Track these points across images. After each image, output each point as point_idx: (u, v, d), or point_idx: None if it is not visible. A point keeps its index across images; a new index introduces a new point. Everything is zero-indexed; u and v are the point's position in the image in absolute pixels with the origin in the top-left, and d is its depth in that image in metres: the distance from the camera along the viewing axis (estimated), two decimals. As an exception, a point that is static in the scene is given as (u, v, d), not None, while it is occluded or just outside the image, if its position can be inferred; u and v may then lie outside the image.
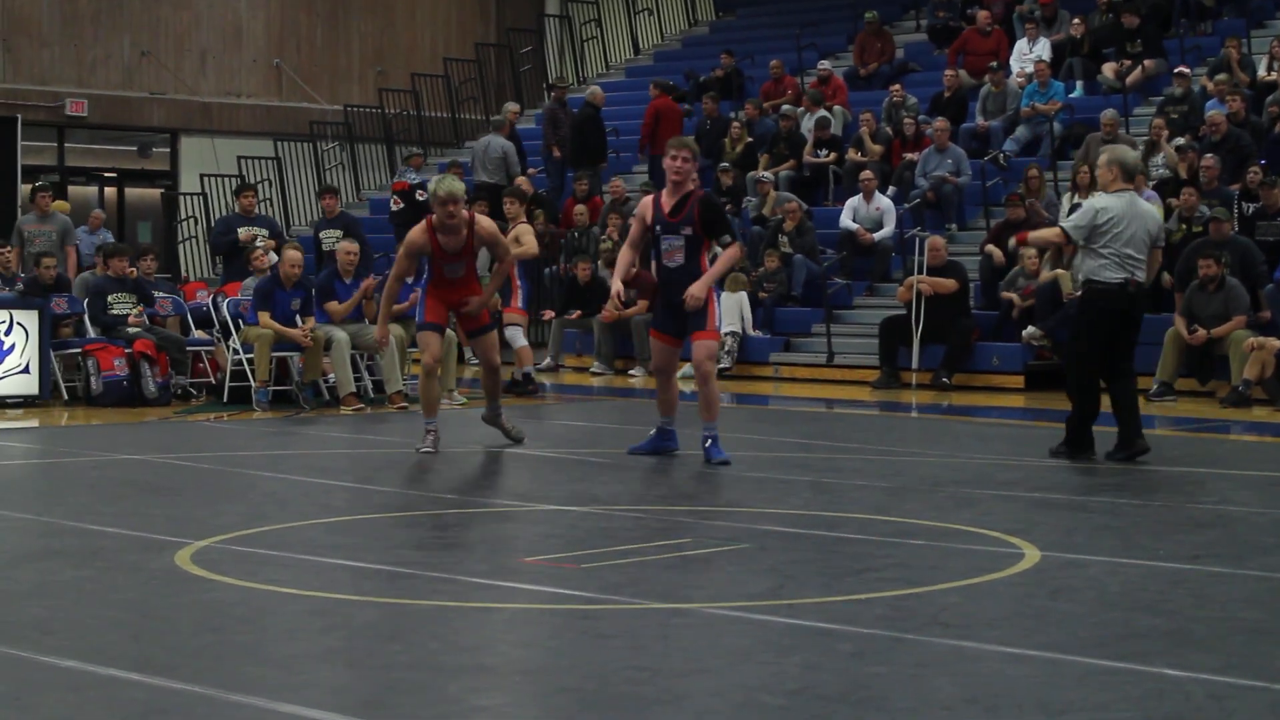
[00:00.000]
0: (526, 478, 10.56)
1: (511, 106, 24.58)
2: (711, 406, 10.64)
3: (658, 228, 10.60)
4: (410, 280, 15.75)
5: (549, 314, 20.88)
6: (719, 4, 30.23)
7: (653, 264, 10.87)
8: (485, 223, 11.25)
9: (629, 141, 24.64)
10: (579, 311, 20.31)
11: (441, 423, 11.28)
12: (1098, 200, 10.78)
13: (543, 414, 15.50)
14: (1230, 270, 16.16)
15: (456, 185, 11.12)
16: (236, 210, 18.18)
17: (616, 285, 10.86)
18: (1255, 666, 5.45)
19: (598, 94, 24.20)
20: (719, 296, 11.27)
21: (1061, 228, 10.88)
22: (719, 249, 10.81)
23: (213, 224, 21.45)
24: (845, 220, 20.16)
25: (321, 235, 18.01)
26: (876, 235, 19.91)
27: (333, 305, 15.38)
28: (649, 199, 10.75)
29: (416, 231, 11.16)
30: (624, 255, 10.93)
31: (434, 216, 11.06)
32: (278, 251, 15.95)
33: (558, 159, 23.89)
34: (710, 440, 10.59)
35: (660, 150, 23.25)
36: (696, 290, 10.44)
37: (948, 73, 22.42)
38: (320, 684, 5.24)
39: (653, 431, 11.13)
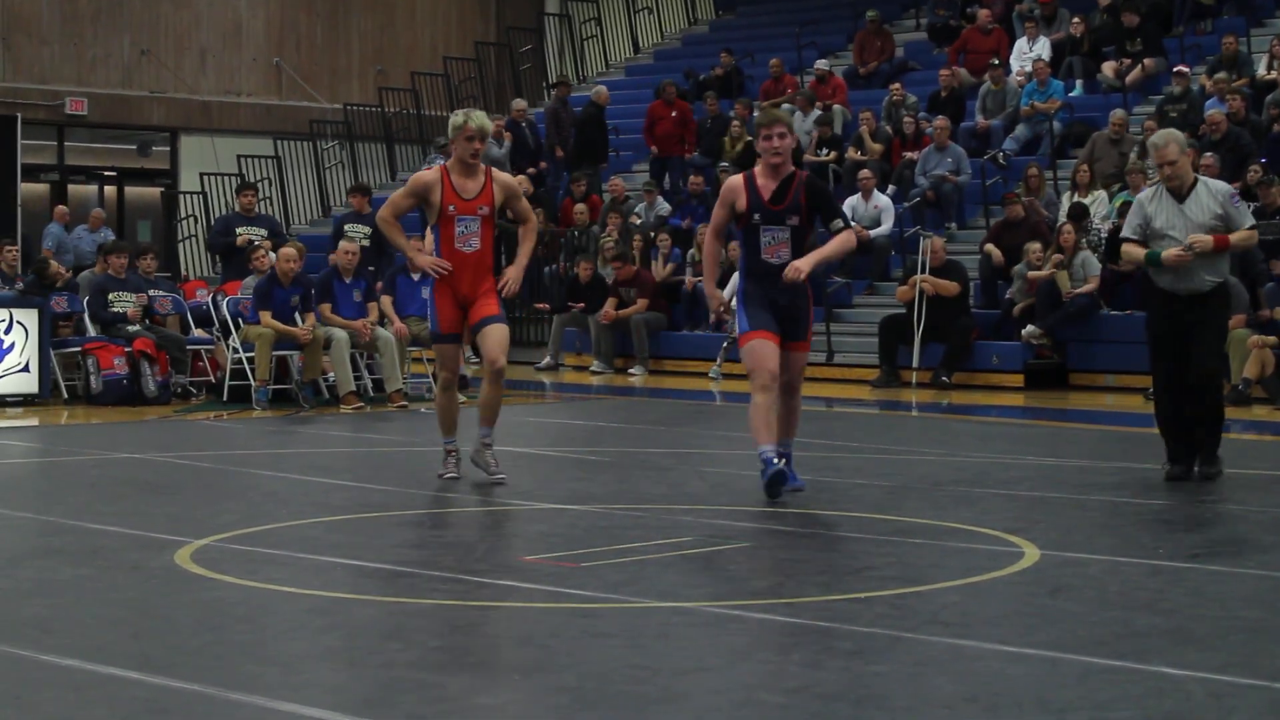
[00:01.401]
0: (526, 477, 10.56)
1: (519, 103, 24.63)
2: (796, 422, 9.44)
3: (756, 217, 8.97)
4: (417, 277, 15.74)
5: (544, 305, 20.87)
6: (719, 3, 30.23)
7: (740, 258, 9.29)
8: (506, 175, 9.99)
9: (629, 141, 24.64)
10: (581, 304, 20.29)
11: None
12: (1226, 185, 10.07)
13: (543, 413, 15.51)
14: (1230, 269, 16.13)
15: (486, 120, 9.71)
16: (236, 209, 18.16)
17: (719, 296, 9.45)
18: (1255, 665, 5.45)
19: (603, 93, 24.27)
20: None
21: (1252, 227, 9.86)
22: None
23: (212, 223, 21.46)
24: (846, 222, 20.17)
25: (347, 228, 17.95)
26: (872, 233, 19.90)
27: (330, 316, 15.31)
28: (738, 182, 9.08)
29: (427, 171, 9.88)
30: (710, 250, 9.39)
31: (449, 161, 9.70)
32: (276, 251, 15.95)
33: (561, 157, 23.93)
34: (785, 457, 9.24)
35: (668, 151, 23.33)
36: (803, 264, 8.87)
37: (943, 71, 22.42)
38: (320, 683, 5.24)
39: (779, 460, 9.10)
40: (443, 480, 9.66)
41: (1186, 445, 9.81)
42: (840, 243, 9.20)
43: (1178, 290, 9.71)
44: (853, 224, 9.75)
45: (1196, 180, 9.79)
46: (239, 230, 17.31)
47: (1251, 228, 9.75)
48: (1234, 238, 9.65)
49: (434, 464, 10.01)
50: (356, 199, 18.39)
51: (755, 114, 9.41)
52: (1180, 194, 9.72)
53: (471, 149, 9.52)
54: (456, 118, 9.62)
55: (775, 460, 8.95)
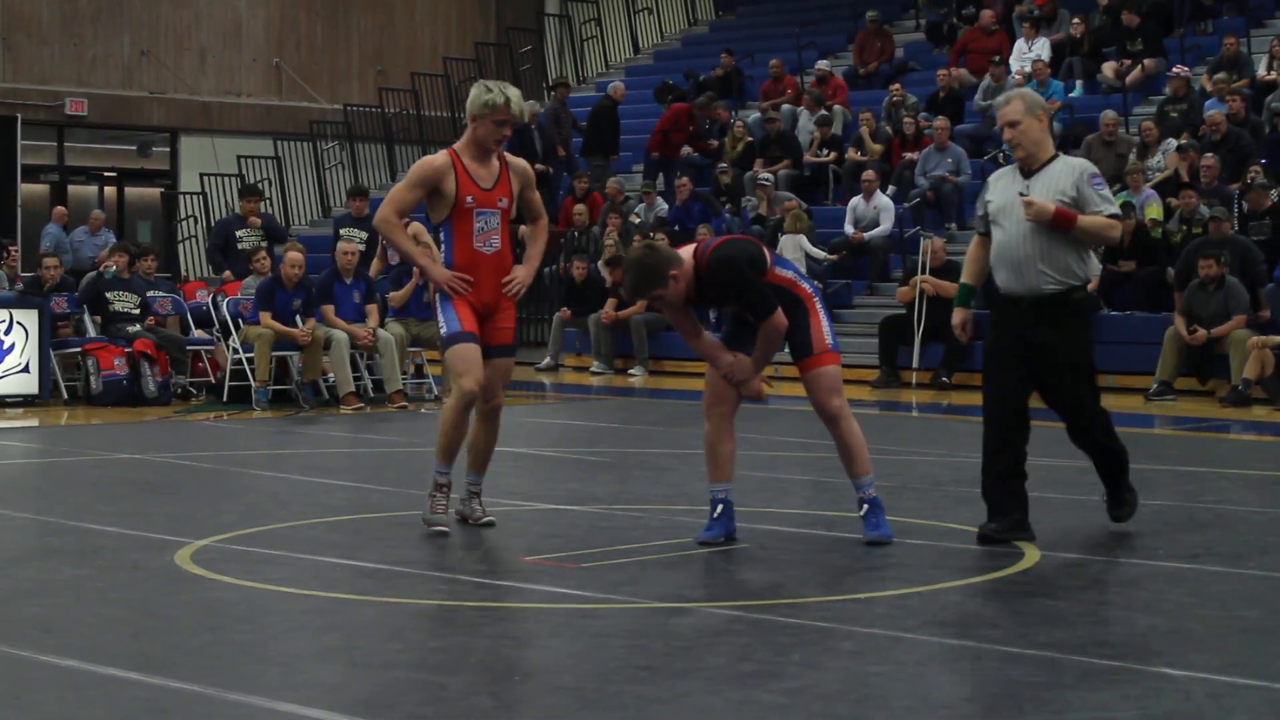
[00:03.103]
0: (526, 477, 10.55)
1: (533, 105, 24.69)
2: (856, 453, 7.72)
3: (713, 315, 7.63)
4: (419, 281, 15.67)
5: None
6: (719, 3, 30.24)
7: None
8: (519, 160, 8.34)
9: (628, 141, 24.66)
10: (569, 310, 20.29)
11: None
12: (1088, 163, 7.90)
13: (543, 414, 15.51)
14: (1230, 269, 16.17)
15: (523, 103, 8.17)
16: (237, 210, 18.13)
17: (742, 364, 7.59)
18: (1254, 665, 5.45)
19: (619, 88, 24.41)
20: (817, 296, 7.81)
21: (1114, 216, 7.68)
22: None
23: (212, 224, 21.48)
24: (848, 227, 20.19)
25: (343, 232, 17.94)
26: (868, 234, 19.92)
27: (333, 319, 15.28)
28: (679, 294, 7.48)
29: (436, 156, 8.15)
30: (708, 347, 7.65)
31: (458, 144, 8.13)
32: (270, 253, 15.98)
33: (563, 157, 23.98)
34: (866, 505, 7.69)
35: (670, 153, 23.26)
36: (757, 385, 7.65)
37: (941, 72, 22.42)
38: (319, 683, 5.24)
39: (719, 511, 7.66)
40: (430, 532, 7.90)
41: (1008, 493, 7.71)
42: (770, 340, 7.51)
43: (1014, 292, 7.70)
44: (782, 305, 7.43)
45: (1056, 156, 7.73)
46: (239, 233, 17.30)
47: (1113, 217, 7.62)
48: (1084, 219, 7.53)
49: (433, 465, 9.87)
50: (356, 202, 18.39)
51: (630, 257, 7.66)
52: (1030, 168, 7.71)
53: (500, 135, 8.01)
54: (490, 94, 7.95)
55: (720, 506, 7.63)
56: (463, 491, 8.19)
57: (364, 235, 17.29)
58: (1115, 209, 7.67)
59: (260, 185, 20.97)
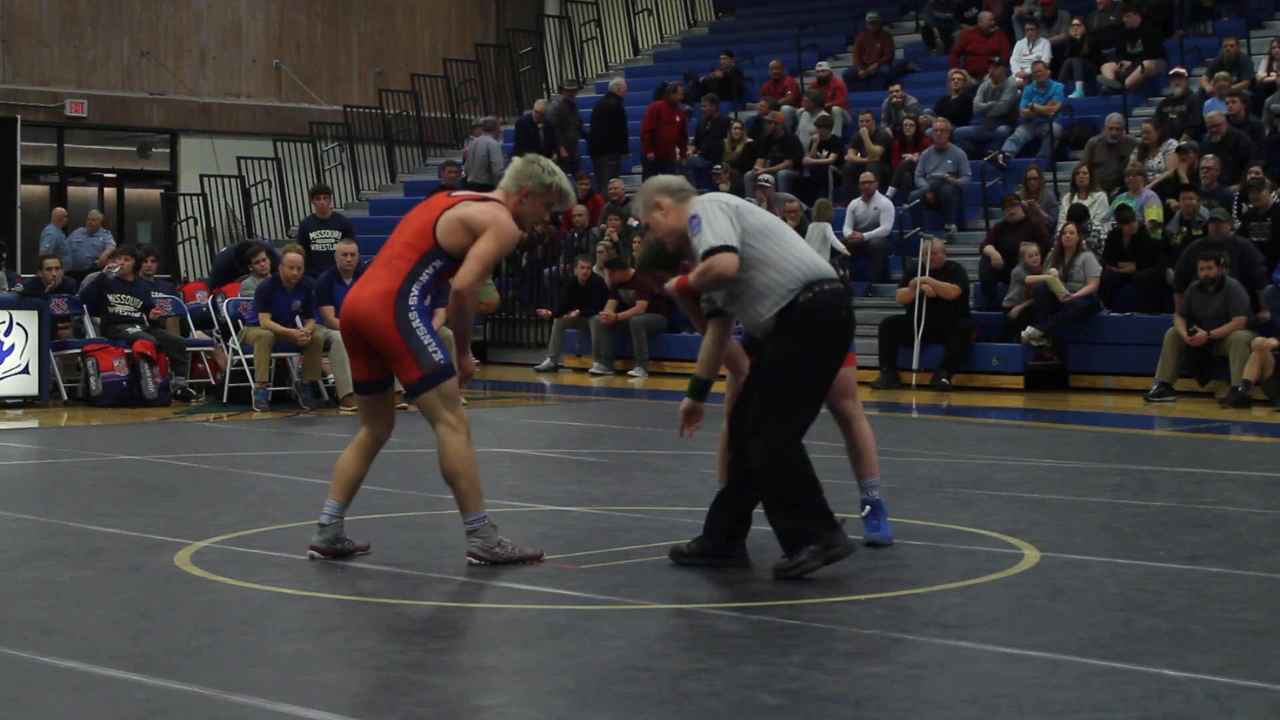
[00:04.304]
0: (526, 478, 10.56)
1: (540, 104, 24.75)
2: (864, 454, 7.60)
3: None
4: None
5: (545, 311, 20.94)
6: (718, 4, 30.26)
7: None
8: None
9: (629, 142, 24.67)
10: (577, 311, 20.31)
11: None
12: (693, 207, 6.95)
13: (543, 415, 15.51)
14: (1230, 271, 16.16)
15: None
16: (233, 239, 18.06)
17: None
18: (1255, 667, 5.45)
19: (621, 85, 24.44)
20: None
21: (709, 252, 6.78)
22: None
23: (211, 224, 21.45)
24: (847, 228, 20.20)
25: (313, 235, 17.93)
26: (867, 235, 19.94)
27: (333, 319, 15.30)
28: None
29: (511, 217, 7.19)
30: (733, 355, 7.48)
31: (511, 207, 7.16)
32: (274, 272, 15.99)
33: (566, 158, 24.01)
34: (869, 506, 7.64)
35: (664, 152, 23.27)
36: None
37: (954, 74, 22.40)
38: (320, 684, 5.24)
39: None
40: (530, 558, 7.15)
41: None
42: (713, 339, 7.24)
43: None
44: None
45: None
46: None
47: (709, 253, 6.77)
48: (692, 277, 6.90)
49: (433, 465, 9.76)
50: (320, 201, 18.28)
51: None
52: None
53: (543, 218, 7.61)
54: (554, 177, 7.25)
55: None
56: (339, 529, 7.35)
57: (337, 235, 17.28)
58: (709, 244, 6.76)
59: (255, 244, 19.81)
